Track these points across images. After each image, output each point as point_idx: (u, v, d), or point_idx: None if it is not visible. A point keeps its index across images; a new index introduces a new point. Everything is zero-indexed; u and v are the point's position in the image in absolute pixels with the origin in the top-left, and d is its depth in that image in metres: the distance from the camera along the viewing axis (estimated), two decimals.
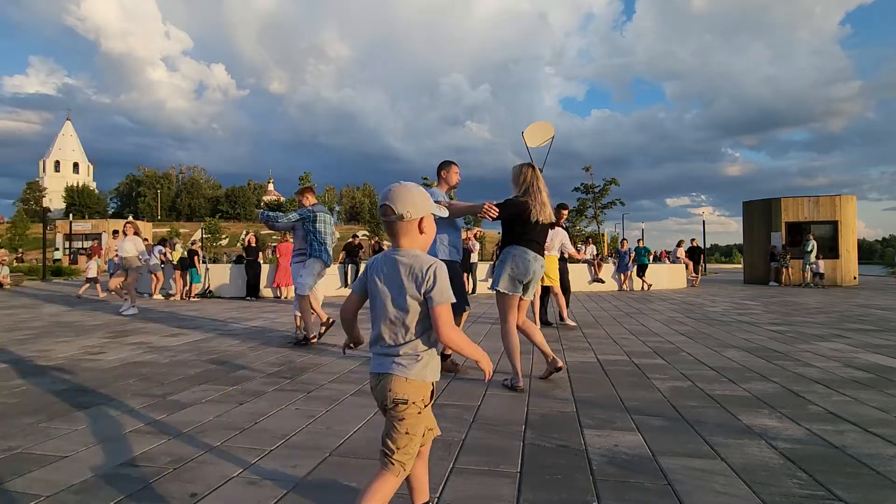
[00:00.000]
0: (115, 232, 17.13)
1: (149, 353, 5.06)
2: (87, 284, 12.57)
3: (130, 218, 11.34)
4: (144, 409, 3.16)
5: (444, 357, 4.25)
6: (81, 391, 3.62)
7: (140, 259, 9.20)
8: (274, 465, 2.31)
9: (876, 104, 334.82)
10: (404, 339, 1.53)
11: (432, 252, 4.08)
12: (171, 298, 11.67)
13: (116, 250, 13.30)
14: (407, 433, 1.51)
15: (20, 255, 14.56)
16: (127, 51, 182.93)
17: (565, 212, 7.30)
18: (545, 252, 6.59)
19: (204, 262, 12.62)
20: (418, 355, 1.53)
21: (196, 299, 11.64)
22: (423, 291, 1.50)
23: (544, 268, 3.82)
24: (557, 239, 6.72)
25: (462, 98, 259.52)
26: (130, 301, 8.71)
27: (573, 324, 6.88)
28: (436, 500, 1.97)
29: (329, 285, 12.82)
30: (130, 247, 9.07)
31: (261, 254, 12.52)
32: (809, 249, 15.69)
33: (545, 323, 6.96)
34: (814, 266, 15.74)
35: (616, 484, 2.10)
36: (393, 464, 1.51)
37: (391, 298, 1.54)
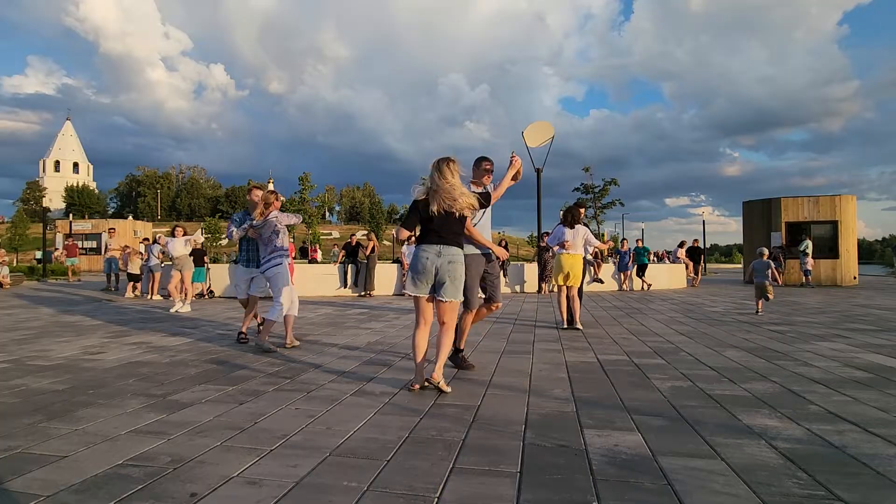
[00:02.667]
0: (112, 230, 16.97)
1: (149, 353, 5.06)
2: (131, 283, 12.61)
3: (180, 224, 11.62)
4: (144, 409, 3.16)
5: (457, 351, 4.32)
6: (81, 391, 3.62)
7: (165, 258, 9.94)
8: (274, 465, 2.31)
9: (874, 104, 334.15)
10: None
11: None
12: (171, 298, 11.66)
13: (124, 249, 13.32)
14: None
15: None
16: (126, 51, 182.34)
17: (582, 210, 7.25)
18: (569, 251, 6.52)
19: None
20: None
21: (195, 299, 11.62)
22: None
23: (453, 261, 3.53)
24: (580, 236, 6.67)
25: (460, 98, 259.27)
26: (186, 298, 9.62)
27: (580, 327, 6.76)
28: (436, 500, 1.97)
29: (328, 286, 12.83)
30: (181, 246, 9.83)
31: None
32: (802, 249, 15.71)
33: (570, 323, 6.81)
34: (803, 264, 15.75)
35: (616, 484, 2.10)
36: None
37: None
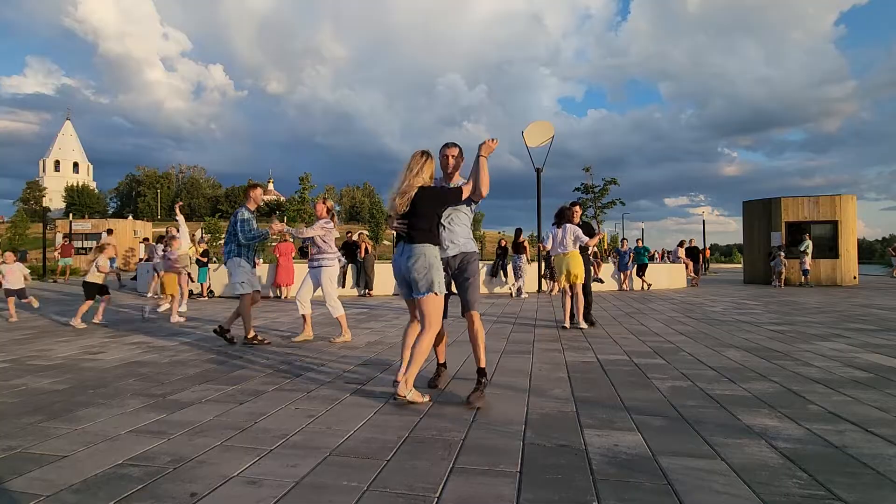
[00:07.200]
0: (110, 231, 16.88)
1: (149, 353, 5.06)
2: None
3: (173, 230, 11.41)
4: (144, 409, 3.16)
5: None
6: (81, 391, 3.62)
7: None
8: (274, 465, 2.31)
9: (871, 104, 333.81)
10: None
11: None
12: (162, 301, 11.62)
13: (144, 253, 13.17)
14: None
15: None
16: (125, 52, 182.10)
17: (578, 209, 7.24)
18: (561, 249, 6.59)
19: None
20: None
21: (194, 299, 11.61)
22: None
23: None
24: (569, 235, 6.69)
25: (458, 98, 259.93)
26: (154, 303, 9.57)
27: (585, 326, 6.76)
28: (435, 500, 1.97)
29: None
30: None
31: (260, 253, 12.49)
32: (803, 248, 15.70)
33: (590, 323, 6.91)
34: (802, 263, 15.73)
35: (616, 484, 2.10)
36: None
37: None
